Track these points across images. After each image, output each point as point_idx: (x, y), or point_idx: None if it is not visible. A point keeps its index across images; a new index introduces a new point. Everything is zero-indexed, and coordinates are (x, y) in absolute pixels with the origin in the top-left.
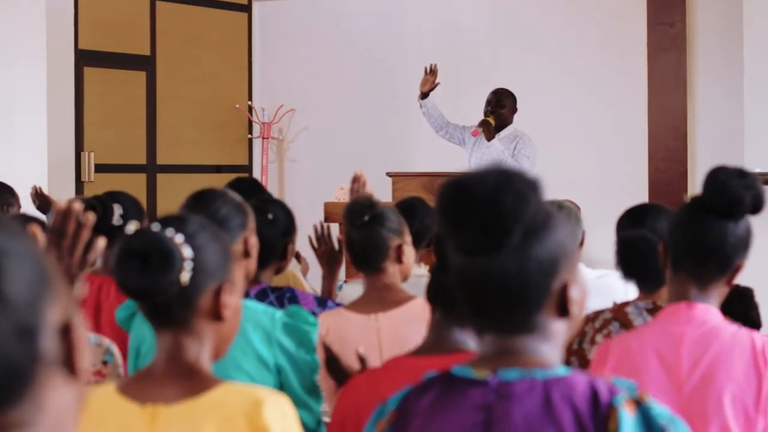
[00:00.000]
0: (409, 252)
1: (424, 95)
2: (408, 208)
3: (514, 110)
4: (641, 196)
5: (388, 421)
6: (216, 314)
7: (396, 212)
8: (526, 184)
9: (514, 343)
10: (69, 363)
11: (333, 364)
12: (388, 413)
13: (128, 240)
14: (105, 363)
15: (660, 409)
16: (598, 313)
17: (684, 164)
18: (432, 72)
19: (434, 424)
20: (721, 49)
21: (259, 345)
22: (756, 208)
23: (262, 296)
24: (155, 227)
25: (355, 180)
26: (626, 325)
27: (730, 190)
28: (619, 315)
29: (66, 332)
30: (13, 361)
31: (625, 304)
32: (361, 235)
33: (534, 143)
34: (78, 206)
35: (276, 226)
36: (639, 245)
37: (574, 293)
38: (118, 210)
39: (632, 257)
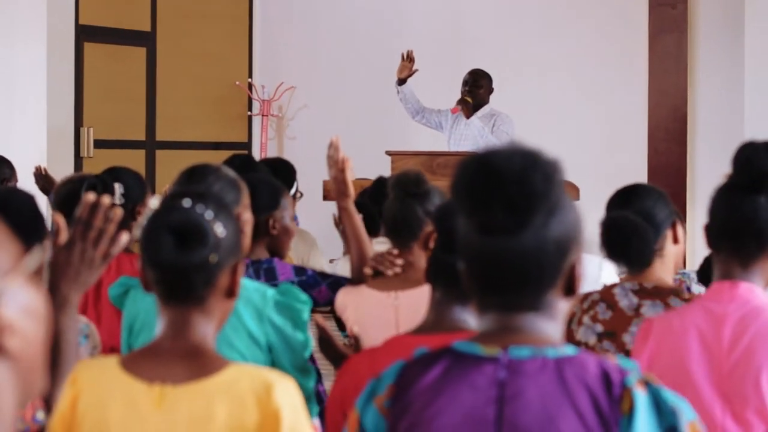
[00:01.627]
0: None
1: (401, 81)
2: (380, 185)
3: (491, 90)
4: (641, 178)
5: (386, 395)
6: (230, 291)
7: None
8: (551, 165)
9: (521, 321)
10: None
11: (326, 344)
12: (385, 387)
13: (161, 215)
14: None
15: (667, 390)
16: (587, 295)
17: (684, 145)
18: (409, 58)
19: (441, 399)
20: (722, 31)
21: (251, 322)
22: None
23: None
24: (186, 203)
25: (330, 146)
26: (612, 306)
27: (756, 165)
28: (605, 296)
29: None
30: None
31: (613, 285)
32: (401, 207)
33: (512, 120)
34: (107, 201)
35: (255, 202)
36: (621, 225)
37: (580, 272)
38: (119, 189)
39: (615, 238)
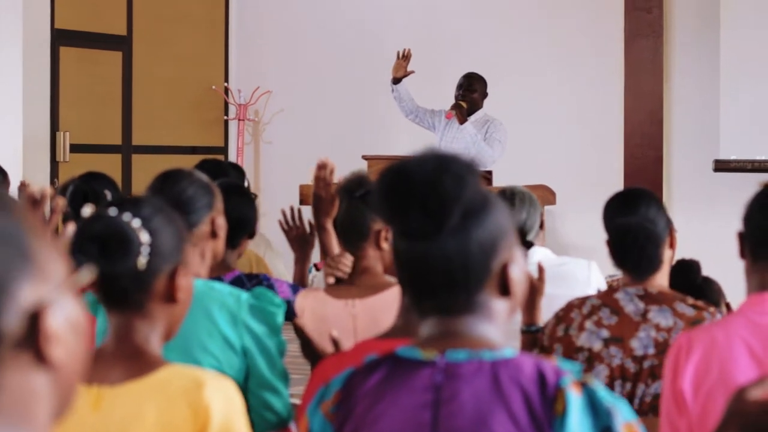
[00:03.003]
0: None
1: (396, 80)
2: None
3: (485, 95)
4: (617, 182)
5: (332, 401)
6: (170, 296)
7: None
8: (463, 166)
9: (458, 324)
10: (36, 350)
11: (307, 346)
12: (332, 394)
13: (85, 224)
14: None
15: (604, 391)
16: (584, 300)
17: (660, 150)
18: (405, 57)
19: (381, 404)
20: (697, 36)
21: (225, 326)
22: None
23: (238, 284)
24: (112, 211)
25: (321, 167)
26: (617, 311)
27: None
28: (608, 301)
29: (37, 317)
30: None
31: (614, 290)
32: (346, 211)
33: (505, 127)
34: (49, 191)
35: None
36: (637, 233)
37: (514, 272)
38: (109, 196)
39: (629, 245)
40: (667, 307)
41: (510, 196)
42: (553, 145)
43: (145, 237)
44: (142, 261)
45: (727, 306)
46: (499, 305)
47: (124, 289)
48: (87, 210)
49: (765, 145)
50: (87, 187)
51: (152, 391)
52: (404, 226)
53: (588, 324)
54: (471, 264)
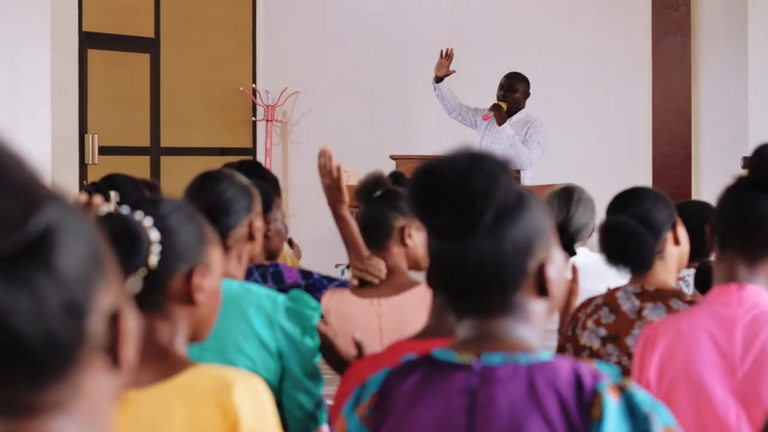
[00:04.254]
0: (418, 236)
1: (438, 79)
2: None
3: (527, 95)
4: (645, 180)
5: (369, 405)
6: (188, 298)
7: None
8: (495, 164)
9: (495, 327)
10: (113, 352)
11: (328, 350)
12: (369, 396)
13: (98, 224)
14: None
15: (643, 395)
16: (591, 299)
17: (688, 148)
18: (447, 56)
19: (417, 407)
20: (725, 33)
21: (261, 329)
22: None
23: (246, 274)
24: (124, 210)
25: (321, 155)
26: (615, 309)
27: None
28: (609, 300)
29: (115, 320)
30: (57, 336)
31: (617, 289)
32: (367, 211)
33: (545, 129)
34: (83, 197)
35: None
36: (618, 230)
37: (551, 272)
38: (115, 197)
39: (612, 243)
40: (662, 304)
41: (568, 194)
42: (581, 143)
43: (154, 235)
44: (154, 260)
45: None
46: (536, 306)
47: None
48: (104, 209)
49: None
50: (93, 189)
51: (180, 393)
52: (436, 225)
53: (589, 323)
54: (505, 264)
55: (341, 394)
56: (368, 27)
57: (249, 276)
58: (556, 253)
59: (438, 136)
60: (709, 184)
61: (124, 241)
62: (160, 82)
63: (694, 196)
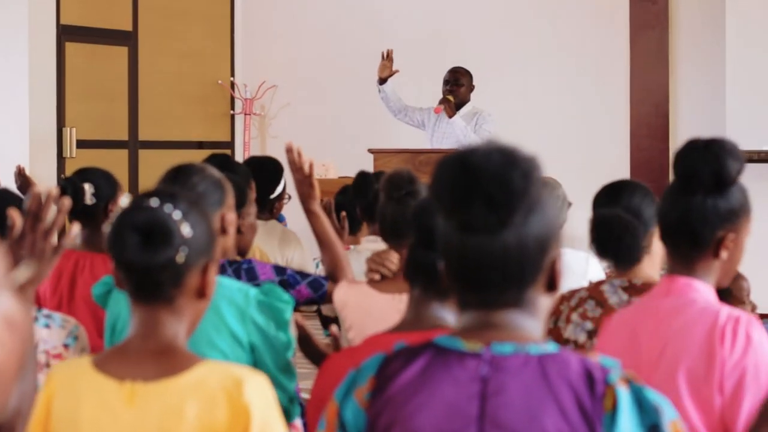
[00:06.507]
0: None
1: (382, 81)
2: (362, 181)
3: (472, 87)
4: (623, 174)
5: (368, 387)
6: (200, 292)
7: None
8: (530, 162)
9: (503, 317)
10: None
11: (306, 343)
12: (366, 379)
13: (127, 214)
14: (66, 346)
15: (649, 389)
16: (573, 292)
17: (666, 142)
18: (389, 57)
19: (422, 394)
20: (703, 27)
21: (233, 322)
22: (719, 184)
23: (220, 270)
24: (153, 202)
25: (289, 150)
26: (601, 303)
27: (688, 165)
28: (594, 293)
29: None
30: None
31: (601, 282)
32: (396, 208)
33: (494, 118)
34: (54, 191)
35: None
36: (612, 223)
37: (560, 267)
38: (89, 189)
39: (606, 235)
40: None
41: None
42: (559, 137)
43: (186, 230)
44: (182, 255)
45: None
46: (543, 300)
47: (159, 282)
48: (125, 200)
49: None
50: (67, 183)
51: (192, 389)
52: (465, 220)
53: (574, 316)
54: (527, 260)
55: (318, 387)
56: (346, 20)
57: (222, 272)
58: (560, 249)
59: (416, 131)
60: None
61: (159, 234)
62: (138, 76)
63: None
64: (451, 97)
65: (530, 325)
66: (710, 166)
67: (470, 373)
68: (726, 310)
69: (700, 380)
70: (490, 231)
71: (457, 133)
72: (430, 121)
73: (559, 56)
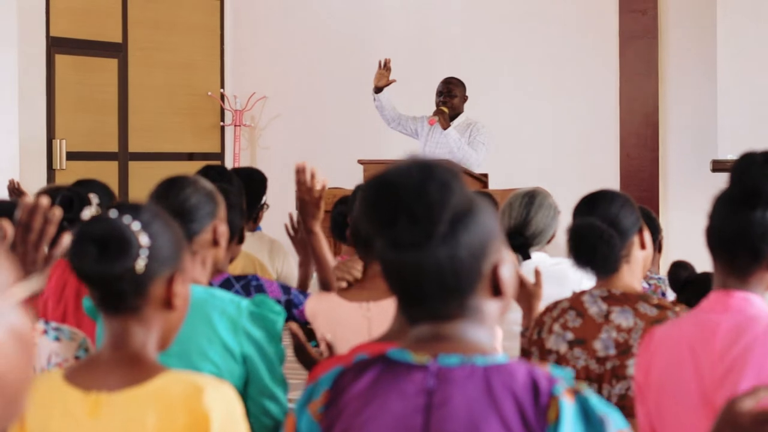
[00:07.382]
0: None
1: (377, 90)
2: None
3: (465, 98)
4: (613, 183)
5: (321, 401)
6: (167, 302)
7: None
8: (447, 172)
9: (450, 329)
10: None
11: (301, 350)
12: (321, 393)
13: (85, 226)
14: (77, 359)
15: (596, 399)
16: (557, 303)
17: (656, 151)
18: (386, 67)
19: (371, 406)
20: (693, 37)
21: (225, 334)
22: None
23: (226, 286)
24: (112, 214)
25: (299, 171)
26: (582, 313)
27: (750, 179)
28: (575, 304)
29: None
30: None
31: (582, 293)
32: (357, 218)
33: (488, 129)
34: (45, 202)
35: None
36: (586, 233)
37: (504, 273)
38: (95, 200)
39: (581, 245)
40: (629, 308)
41: (531, 197)
42: (549, 147)
43: (144, 240)
44: (141, 264)
45: None
46: (491, 306)
47: (121, 292)
48: (87, 213)
49: (762, 145)
50: (73, 193)
51: (152, 398)
52: (393, 237)
53: (555, 327)
54: (462, 269)
55: None
56: (336, 32)
57: (229, 288)
58: (506, 253)
59: (406, 141)
60: (677, 186)
61: (115, 244)
62: (128, 87)
63: (662, 200)
64: (445, 109)
65: (478, 334)
66: None
67: (417, 385)
68: None
69: None
70: (418, 245)
71: (451, 144)
72: (423, 130)
73: (548, 66)
